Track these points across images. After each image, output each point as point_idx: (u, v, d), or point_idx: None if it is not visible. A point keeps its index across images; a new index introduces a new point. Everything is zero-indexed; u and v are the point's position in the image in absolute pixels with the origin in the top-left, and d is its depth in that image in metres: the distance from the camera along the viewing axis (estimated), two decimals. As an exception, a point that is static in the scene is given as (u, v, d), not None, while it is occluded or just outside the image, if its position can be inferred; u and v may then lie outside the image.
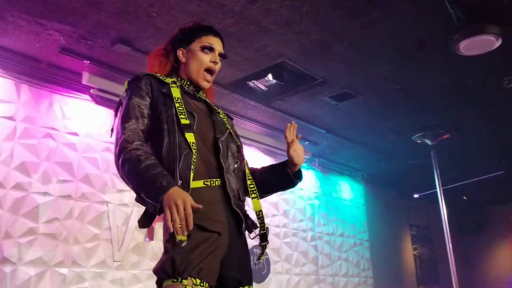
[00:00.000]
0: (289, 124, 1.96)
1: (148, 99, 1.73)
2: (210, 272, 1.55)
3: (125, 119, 1.67)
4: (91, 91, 4.05)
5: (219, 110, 1.94)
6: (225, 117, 1.95)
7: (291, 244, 5.93)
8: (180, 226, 1.43)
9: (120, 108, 1.75)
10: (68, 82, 4.01)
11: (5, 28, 3.37)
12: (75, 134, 4.00)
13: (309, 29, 3.49)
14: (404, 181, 7.86)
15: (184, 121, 1.68)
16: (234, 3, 3.15)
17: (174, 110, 1.70)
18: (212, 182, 1.68)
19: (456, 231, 6.71)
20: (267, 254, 5.51)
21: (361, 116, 5.27)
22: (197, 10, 3.21)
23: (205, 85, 1.88)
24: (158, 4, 3.13)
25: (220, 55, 1.91)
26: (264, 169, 2.02)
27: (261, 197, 1.88)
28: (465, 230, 9.11)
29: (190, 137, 1.67)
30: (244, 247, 1.75)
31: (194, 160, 1.63)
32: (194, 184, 1.62)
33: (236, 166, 1.81)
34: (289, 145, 1.92)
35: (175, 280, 1.47)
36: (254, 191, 1.83)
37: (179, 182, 1.58)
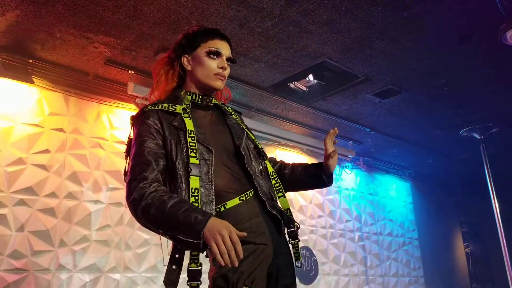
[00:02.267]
0: (332, 131, 1.94)
1: (160, 137, 1.61)
2: (261, 281, 1.54)
3: (140, 166, 1.53)
4: (137, 100, 4.14)
5: (228, 109, 1.86)
6: (236, 116, 1.87)
7: (338, 245, 5.86)
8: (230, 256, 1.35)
9: (133, 149, 1.60)
10: (114, 92, 4.13)
11: (54, 44, 3.50)
12: (122, 143, 4.11)
13: (349, 27, 3.44)
14: (453, 177, 7.62)
15: (193, 160, 1.56)
16: (272, 6, 3.15)
17: (185, 146, 1.58)
18: (247, 196, 1.63)
19: (510, 227, 6.44)
20: (304, 251, 5.47)
21: (406, 113, 5.15)
22: (236, 15, 3.23)
23: (219, 85, 1.75)
24: (198, 11, 3.17)
25: (228, 59, 1.77)
26: (296, 168, 1.99)
27: (289, 191, 1.89)
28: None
29: (194, 182, 1.53)
30: (287, 248, 1.73)
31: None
32: (231, 203, 1.59)
33: (261, 167, 1.78)
34: (328, 154, 1.91)
35: None
36: (280, 190, 1.79)
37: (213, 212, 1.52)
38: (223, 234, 1.34)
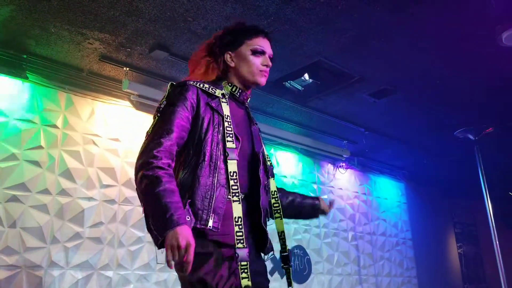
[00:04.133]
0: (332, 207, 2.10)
1: (192, 112, 1.62)
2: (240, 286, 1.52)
3: (161, 131, 1.55)
4: (131, 97, 4.13)
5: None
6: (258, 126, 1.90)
7: (331, 244, 5.87)
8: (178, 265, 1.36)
9: (161, 114, 1.63)
10: (109, 89, 4.11)
11: (48, 39, 3.47)
12: (116, 140, 4.09)
13: (345, 26, 3.44)
14: (447, 177, 7.65)
15: (230, 145, 1.61)
16: (269, 4, 3.14)
17: (221, 129, 1.62)
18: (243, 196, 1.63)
19: (503, 228, 6.47)
20: (297, 250, 5.47)
21: (401, 113, 5.16)
22: (232, 13, 3.22)
23: (263, 81, 1.80)
24: (194, 9, 3.16)
25: (270, 57, 1.83)
26: (292, 198, 2.00)
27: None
28: (513, 226, 8.79)
29: (232, 165, 1.58)
30: (265, 269, 1.71)
31: (230, 197, 1.56)
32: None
33: (266, 182, 1.76)
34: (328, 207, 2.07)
35: None
36: (279, 211, 1.78)
37: (212, 218, 1.52)
38: (180, 245, 1.34)
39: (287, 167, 5.56)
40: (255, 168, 1.69)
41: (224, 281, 1.48)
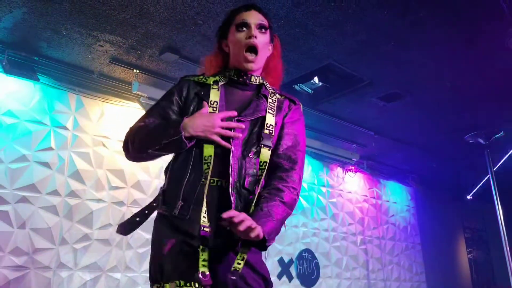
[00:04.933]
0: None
1: (177, 104, 1.64)
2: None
3: (145, 115, 1.66)
4: (141, 99, 4.14)
5: (274, 95, 1.70)
6: (276, 103, 1.69)
7: (340, 248, 5.84)
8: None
9: None
10: (119, 91, 4.12)
11: (59, 42, 3.50)
12: (126, 141, 4.10)
13: (355, 29, 3.43)
14: (457, 182, 7.58)
15: None
16: (279, 7, 3.13)
17: None
18: (218, 181, 1.53)
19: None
20: (305, 253, 5.44)
21: (411, 117, 5.12)
22: (242, 16, 3.21)
23: (249, 66, 1.65)
24: (204, 12, 3.16)
25: (261, 26, 1.67)
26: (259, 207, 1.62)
27: None
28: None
29: (208, 149, 1.52)
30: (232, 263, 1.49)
31: (204, 181, 1.49)
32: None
33: (246, 157, 1.58)
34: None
35: (158, 285, 1.46)
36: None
37: (180, 203, 1.50)
38: (216, 116, 1.54)
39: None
40: (244, 148, 1.57)
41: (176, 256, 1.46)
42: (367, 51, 3.72)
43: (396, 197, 7.10)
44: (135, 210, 4.21)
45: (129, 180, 4.04)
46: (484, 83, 4.34)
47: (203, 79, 1.68)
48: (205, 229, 1.43)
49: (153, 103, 4.08)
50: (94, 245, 3.71)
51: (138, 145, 1.57)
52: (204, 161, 1.51)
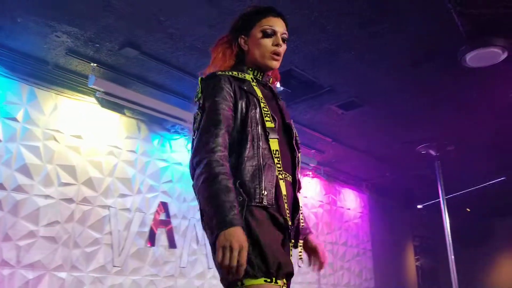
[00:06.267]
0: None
1: (232, 99, 1.63)
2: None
3: (210, 125, 1.55)
4: (97, 94, 4.02)
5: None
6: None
7: (293, 253, 5.86)
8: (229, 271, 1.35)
9: (203, 110, 1.61)
10: (74, 84, 3.99)
11: (13, 29, 3.34)
12: (79, 137, 3.97)
13: (317, 37, 3.46)
14: (408, 191, 7.80)
15: (269, 124, 1.61)
16: (244, 9, 3.10)
17: (258, 110, 1.62)
18: (286, 176, 1.64)
19: (459, 243, 6.64)
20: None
21: (367, 126, 5.22)
22: (207, 15, 3.18)
23: (275, 64, 1.75)
24: (167, 9, 3.10)
25: (283, 39, 1.76)
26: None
27: None
28: (468, 241, 9.03)
29: (274, 144, 1.61)
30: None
31: (277, 174, 1.57)
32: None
33: (299, 155, 1.79)
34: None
35: (268, 280, 1.43)
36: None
37: (259, 198, 1.51)
38: (233, 248, 1.34)
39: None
40: (291, 140, 1.73)
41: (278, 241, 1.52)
42: (328, 59, 3.76)
43: (350, 203, 7.22)
44: (85, 208, 4.06)
45: (80, 177, 3.91)
46: (439, 98, 4.48)
47: (241, 75, 1.70)
48: (290, 224, 1.58)
49: (109, 98, 4.02)
50: (39, 242, 3.56)
51: (198, 189, 1.49)
52: (274, 156, 1.60)
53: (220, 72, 1.68)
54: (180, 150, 4.73)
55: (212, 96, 1.61)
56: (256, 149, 1.57)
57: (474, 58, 3.57)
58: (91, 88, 3.91)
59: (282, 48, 1.75)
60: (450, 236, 5.60)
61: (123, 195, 4.13)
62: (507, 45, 3.46)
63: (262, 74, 1.77)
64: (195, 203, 4.65)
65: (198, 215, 4.65)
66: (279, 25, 1.76)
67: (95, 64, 3.79)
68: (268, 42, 1.73)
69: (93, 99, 4.11)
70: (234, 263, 1.33)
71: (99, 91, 3.96)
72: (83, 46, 3.57)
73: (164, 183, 4.51)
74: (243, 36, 1.76)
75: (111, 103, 4.12)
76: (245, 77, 1.70)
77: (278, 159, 1.59)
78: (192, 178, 1.53)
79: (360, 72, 4.00)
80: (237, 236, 1.35)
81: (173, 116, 4.38)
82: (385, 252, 7.65)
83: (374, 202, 7.72)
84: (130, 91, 4.06)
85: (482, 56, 3.57)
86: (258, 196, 1.51)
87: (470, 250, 9.06)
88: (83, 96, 4.06)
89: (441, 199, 5.73)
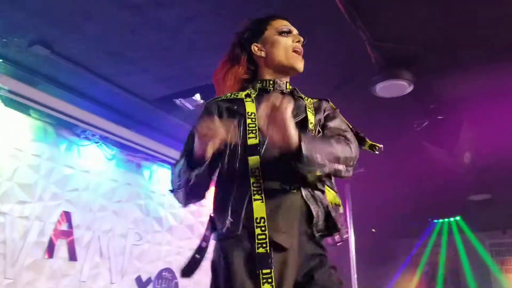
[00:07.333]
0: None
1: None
2: None
3: (180, 155, 1.60)
4: (1, 92, 3.73)
5: (307, 99, 1.69)
6: (315, 103, 1.71)
7: (205, 267, 5.78)
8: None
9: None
10: (-26, 79, 3.67)
11: None
12: (-23, 137, 3.65)
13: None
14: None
15: (252, 141, 1.48)
16: (170, 18, 3.09)
17: (242, 129, 1.51)
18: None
19: (363, 262, 6.93)
20: (166, 272, 5.33)
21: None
22: (129, 20, 3.11)
23: (301, 66, 1.66)
24: (81, 10, 2.99)
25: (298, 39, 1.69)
26: None
27: None
28: (372, 261, 9.45)
29: (253, 160, 1.45)
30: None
31: (252, 194, 1.42)
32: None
33: None
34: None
35: None
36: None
37: (229, 221, 1.42)
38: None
39: (169, 184, 5.41)
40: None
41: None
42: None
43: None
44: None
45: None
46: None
47: (233, 95, 1.61)
48: (262, 249, 1.48)
49: (14, 97, 3.74)
50: None
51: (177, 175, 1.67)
52: (251, 174, 1.54)
53: (210, 100, 1.64)
54: (89, 157, 4.50)
55: (194, 127, 1.56)
56: (231, 171, 1.49)
57: (384, 88, 3.80)
58: (-6, 85, 3.63)
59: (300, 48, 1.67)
60: (354, 256, 5.85)
61: (22, 202, 3.83)
62: (413, 79, 3.71)
63: (273, 82, 1.64)
64: (101, 214, 4.46)
65: (103, 227, 4.47)
66: (290, 26, 1.69)
67: (1, 60, 3.53)
68: (287, 40, 1.64)
69: (-5, 98, 3.81)
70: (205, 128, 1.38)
71: (3, 89, 3.68)
72: (-11, 40, 3.32)
73: (69, 191, 4.25)
74: (256, 43, 1.66)
75: (16, 102, 3.83)
76: (237, 96, 1.60)
77: (257, 177, 1.44)
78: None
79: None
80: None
81: (83, 122, 4.18)
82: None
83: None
84: (38, 91, 3.82)
85: (391, 87, 3.80)
86: (220, 225, 1.51)
87: (374, 269, 9.49)
88: (-16, 92, 3.75)
89: (348, 218, 5.98)
